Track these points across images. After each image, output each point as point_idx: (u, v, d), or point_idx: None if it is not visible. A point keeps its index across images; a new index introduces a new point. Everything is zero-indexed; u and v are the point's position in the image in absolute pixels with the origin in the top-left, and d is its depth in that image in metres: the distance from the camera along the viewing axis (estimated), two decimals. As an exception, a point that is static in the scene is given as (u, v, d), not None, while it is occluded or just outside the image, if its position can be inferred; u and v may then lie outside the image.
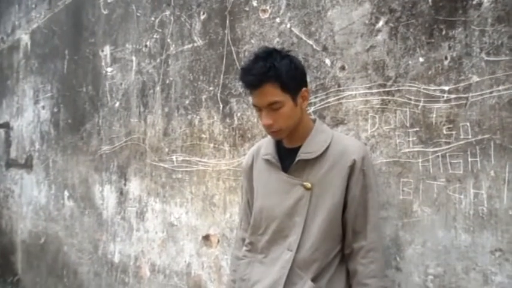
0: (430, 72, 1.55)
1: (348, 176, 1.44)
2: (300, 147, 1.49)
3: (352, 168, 1.44)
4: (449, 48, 1.50)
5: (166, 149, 2.50)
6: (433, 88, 1.54)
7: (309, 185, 1.46)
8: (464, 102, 1.47)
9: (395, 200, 1.62)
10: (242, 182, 1.72)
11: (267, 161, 1.56)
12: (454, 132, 1.50)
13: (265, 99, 1.41)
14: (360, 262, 1.46)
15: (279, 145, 1.57)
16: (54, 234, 3.50)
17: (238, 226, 1.76)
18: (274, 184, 1.52)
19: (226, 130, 2.20)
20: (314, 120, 1.57)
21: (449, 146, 1.50)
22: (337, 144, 1.47)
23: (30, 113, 3.82)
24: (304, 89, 1.48)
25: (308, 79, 1.86)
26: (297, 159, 1.47)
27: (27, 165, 3.85)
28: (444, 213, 1.51)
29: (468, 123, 1.47)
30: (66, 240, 3.36)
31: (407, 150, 1.60)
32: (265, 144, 1.62)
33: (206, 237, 2.30)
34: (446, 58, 1.51)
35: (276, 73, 1.39)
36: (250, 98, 2.08)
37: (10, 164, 4.12)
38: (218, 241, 2.23)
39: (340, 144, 1.47)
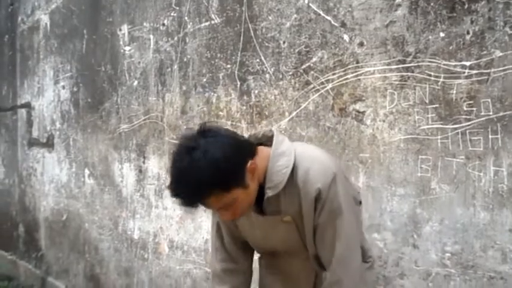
0: (451, 48, 1.52)
1: (315, 204, 1.26)
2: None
3: (317, 198, 1.25)
4: (472, 22, 1.47)
5: (184, 127, 2.52)
6: (453, 64, 1.51)
7: (289, 218, 1.31)
8: (485, 77, 1.45)
9: (413, 178, 1.61)
10: (213, 216, 1.51)
11: None
12: (474, 109, 1.48)
13: (212, 207, 1.26)
14: None
15: None
16: (75, 212, 3.57)
17: (212, 259, 1.53)
18: (256, 223, 1.36)
19: (244, 107, 2.20)
20: (270, 138, 1.34)
21: (470, 122, 1.48)
22: (301, 168, 1.26)
23: (51, 93, 3.87)
24: (248, 165, 1.23)
25: (326, 56, 1.85)
26: (265, 197, 1.28)
27: (49, 144, 3.92)
28: (463, 190, 1.50)
29: (489, 100, 1.44)
30: (87, 217, 3.43)
31: (426, 127, 1.58)
32: None
33: (223, 214, 2.32)
34: (468, 33, 1.48)
35: (207, 187, 1.17)
36: (267, 76, 2.08)
37: (32, 143, 4.19)
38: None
39: (302, 169, 1.26)
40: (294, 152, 1.28)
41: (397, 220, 1.65)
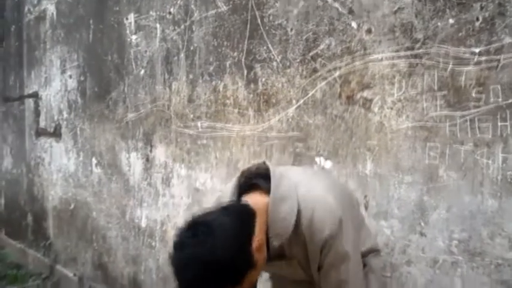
0: (460, 34, 1.51)
1: (321, 250, 1.22)
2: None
3: (324, 245, 1.21)
4: (481, 8, 1.45)
5: (191, 115, 2.52)
6: (463, 50, 1.50)
7: (294, 262, 1.28)
8: (495, 64, 1.43)
9: (420, 165, 1.61)
10: None
11: None
12: (483, 96, 1.46)
13: None
14: None
15: None
16: (83, 200, 3.60)
17: None
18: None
19: (251, 95, 2.20)
20: (265, 171, 1.26)
21: (478, 109, 1.47)
22: (305, 215, 1.20)
23: (58, 83, 3.88)
24: (253, 247, 1.14)
25: (333, 43, 1.85)
26: (270, 246, 1.22)
27: (56, 134, 3.94)
28: (471, 178, 1.50)
29: (499, 86, 1.43)
30: (94, 206, 3.46)
31: (434, 114, 1.57)
32: None
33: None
34: (477, 19, 1.47)
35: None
36: (274, 63, 2.07)
37: (40, 132, 4.22)
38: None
39: (307, 216, 1.20)
40: (296, 194, 1.22)
41: (405, 208, 1.65)
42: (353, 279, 1.27)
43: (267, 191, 1.23)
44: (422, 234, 1.62)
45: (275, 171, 1.26)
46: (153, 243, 2.88)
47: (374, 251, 1.50)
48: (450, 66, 1.53)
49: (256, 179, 1.28)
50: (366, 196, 1.76)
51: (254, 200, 1.22)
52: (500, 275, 1.45)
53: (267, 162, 1.29)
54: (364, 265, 1.44)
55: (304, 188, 1.26)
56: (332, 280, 1.25)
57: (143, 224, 2.96)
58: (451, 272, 1.55)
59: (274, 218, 1.19)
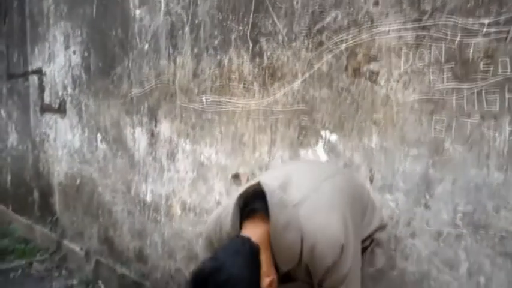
0: (469, 5, 1.48)
1: (322, 274, 1.25)
2: None
3: (326, 271, 1.24)
4: (491, -22, 1.43)
5: (196, 90, 2.52)
6: (471, 22, 1.48)
7: (299, 283, 1.33)
8: (504, 36, 1.41)
9: (426, 138, 1.61)
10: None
11: None
12: (491, 68, 1.45)
13: None
14: None
15: None
16: (88, 176, 3.63)
17: None
18: None
19: (256, 70, 2.19)
20: (263, 203, 1.23)
21: (486, 82, 1.46)
22: (306, 245, 1.21)
23: (62, 59, 3.86)
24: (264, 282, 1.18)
25: (340, 15, 1.82)
26: (280, 272, 1.26)
27: (61, 110, 3.94)
28: (477, 151, 1.49)
29: (507, 58, 1.41)
30: (100, 182, 3.48)
31: (441, 87, 1.56)
32: None
33: (235, 176, 2.34)
34: (487, -11, 1.44)
35: None
36: (280, 37, 2.05)
37: (44, 109, 4.22)
38: (247, 179, 2.27)
39: (308, 245, 1.21)
40: (298, 219, 1.22)
41: (410, 181, 1.66)
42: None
43: (267, 215, 1.22)
44: (427, 207, 1.62)
45: (273, 195, 1.24)
46: (159, 218, 2.91)
47: (381, 227, 1.54)
48: (458, 38, 1.51)
49: (254, 203, 1.27)
50: (371, 169, 1.77)
51: (255, 231, 1.23)
52: (504, 248, 1.45)
53: (262, 183, 1.27)
54: (371, 241, 1.49)
55: (307, 209, 1.26)
56: None
57: (148, 198, 2.98)
58: (455, 245, 1.56)
59: (278, 248, 1.21)
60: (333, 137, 1.89)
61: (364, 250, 1.46)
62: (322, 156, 1.93)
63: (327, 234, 1.22)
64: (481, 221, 1.50)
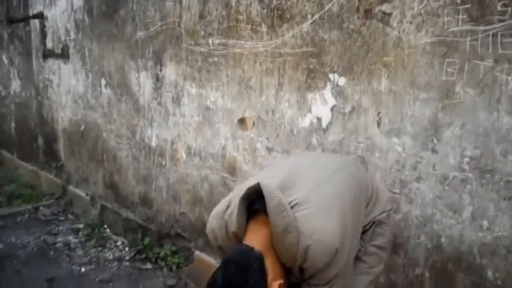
0: None
1: (311, 273, 1.30)
2: None
3: (315, 272, 1.28)
4: None
5: (202, 33, 2.46)
6: (490, -41, 1.42)
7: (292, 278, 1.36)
8: (525, -27, 1.36)
9: (437, 81, 1.58)
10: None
11: None
12: (509, 9, 1.41)
13: None
14: None
15: None
16: (93, 122, 3.62)
17: None
18: None
19: (264, 11, 2.13)
20: (264, 203, 1.26)
21: (503, 23, 1.42)
22: (302, 246, 1.25)
23: (63, 2, 3.76)
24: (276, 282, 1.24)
25: (354, -48, 1.75)
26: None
27: (64, 55, 3.88)
28: (488, 94, 1.47)
29: (527, -2, 1.37)
30: (104, 127, 3.48)
31: (455, 28, 1.52)
32: None
33: (241, 120, 2.33)
34: None
35: None
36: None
37: (47, 54, 4.15)
38: (253, 123, 2.26)
39: (302, 247, 1.24)
40: (296, 224, 1.24)
41: (418, 124, 1.65)
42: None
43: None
44: (434, 151, 1.62)
45: (271, 197, 1.25)
46: (164, 162, 2.92)
47: (384, 212, 1.56)
48: (476, -24, 1.45)
49: (256, 203, 1.29)
50: (379, 113, 1.75)
51: (258, 236, 1.27)
52: (509, 192, 1.46)
53: (261, 184, 1.28)
54: (373, 223, 1.52)
55: (305, 210, 1.28)
56: None
57: (153, 143, 2.99)
58: (460, 189, 1.57)
59: (279, 249, 1.25)
60: (342, 80, 1.86)
61: (365, 232, 1.51)
62: (330, 100, 1.91)
63: (322, 238, 1.25)
64: (488, 166, 1.50)
